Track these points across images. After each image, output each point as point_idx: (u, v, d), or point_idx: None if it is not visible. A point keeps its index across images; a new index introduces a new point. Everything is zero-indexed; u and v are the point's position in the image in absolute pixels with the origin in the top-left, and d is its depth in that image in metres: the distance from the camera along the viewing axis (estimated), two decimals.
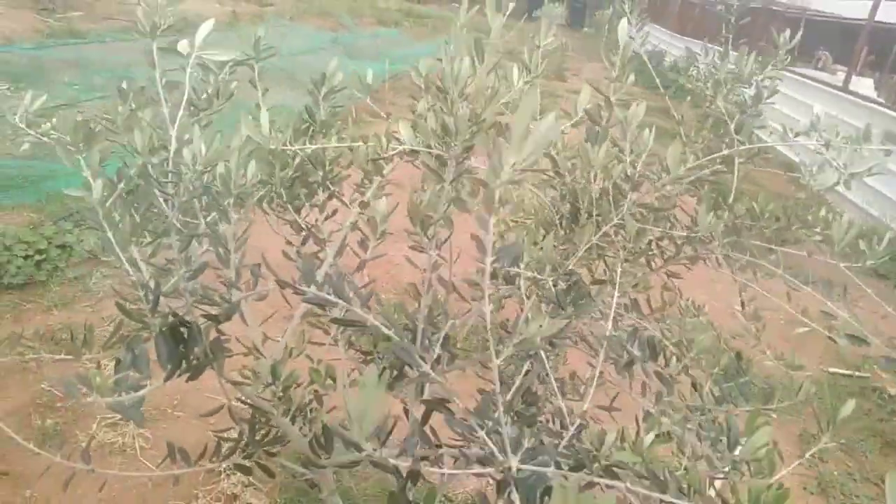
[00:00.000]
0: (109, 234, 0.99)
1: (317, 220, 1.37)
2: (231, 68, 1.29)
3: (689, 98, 1.45)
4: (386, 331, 0.96)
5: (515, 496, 0.75)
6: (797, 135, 1.09)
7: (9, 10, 8.91)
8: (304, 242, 1.37)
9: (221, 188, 1.01)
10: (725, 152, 1.18)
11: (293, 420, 1.20)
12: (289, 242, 1.35)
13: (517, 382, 1.03)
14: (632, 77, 1.17)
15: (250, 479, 2.37)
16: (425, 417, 1.02)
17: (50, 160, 4.34)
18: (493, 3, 0.95)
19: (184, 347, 1.00)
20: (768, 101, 1.26)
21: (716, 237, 1.10)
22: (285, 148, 1.13)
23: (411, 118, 1.08)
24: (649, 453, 0.78)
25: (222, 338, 1.07)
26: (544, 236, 1.04)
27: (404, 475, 0.91)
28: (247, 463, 1.27)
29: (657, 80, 1.76)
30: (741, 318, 1.22)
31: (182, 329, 1.00)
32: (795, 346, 1.13)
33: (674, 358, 1.07)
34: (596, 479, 0.77)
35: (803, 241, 1.12)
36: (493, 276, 1.08)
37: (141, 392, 0.93)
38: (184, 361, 1.01)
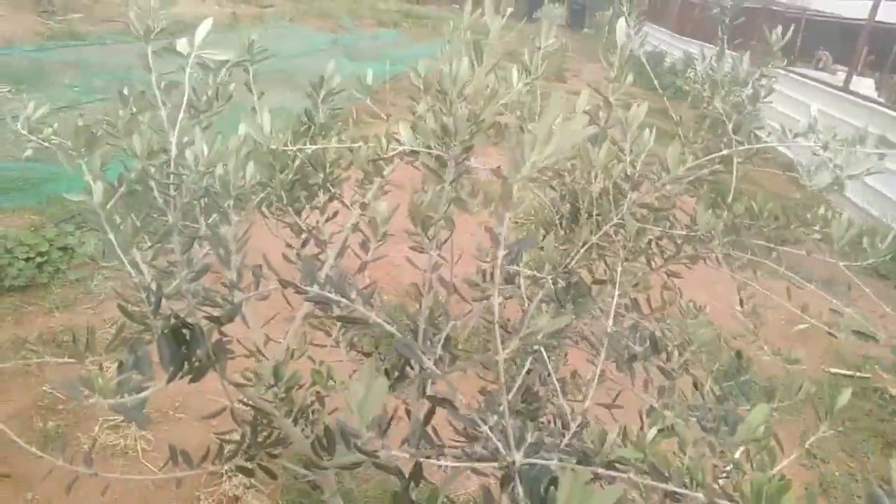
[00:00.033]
0: (111, 237, 0.99)
1: (317, 222, 1.38)
2: (229, 70, 1.29)
3: (688, 99, 1.45)
4: (388, 327, 0.97)
5: (519, 490, 0.75)
6: (795, 135, 1.09)
7: (9, 13, 8.94)
8: (304, 245, 1.37)
9: (221, 190, 1.02)
10: (724, 152, 1.18)
11: (295, 421, 1.20)
12: (289, 245, 1.36)
13: (518, 381, 1.04)
14: (630, 77, 1.18)
15: (252, 480, 2.37)
16: (427, 417, 1.02)
17: (51, 162, 4.35)
18: (490, 4, 0.96)
19: (186, 349, 1.01)
20: (765, 100, 1.26)
21: (715, 236, 1.11)
22: (286, 149, 1.13)
23: (411, 119, 1.08)
24: (651, 448, 0.79)
25: (224, 339, 1.07)
26: (544, 236, 1.05)
27: (407, 475, 0.92)
28: (249, 465, 1.27)
29: (655, 82, 1.76)
30: (739, 315, 1.22)
31: (184, 331, 1.01)
32: (795, 346, 1.13)
33: (675, 352, 1.08)
34: (599, 471, 0.77)
35: (803, 240, 1.12)
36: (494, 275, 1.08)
37: (144, 394, 0.93)
38: (186, 363, 1.01)
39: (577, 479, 0.46)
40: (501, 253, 0.65)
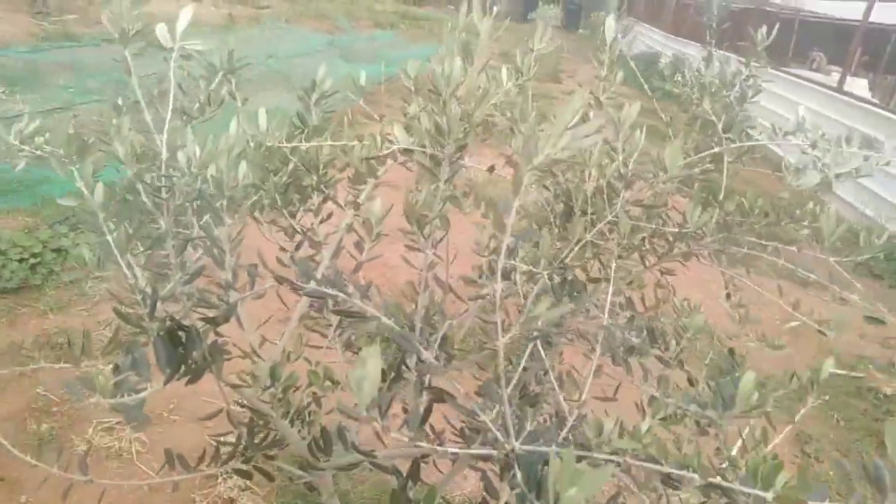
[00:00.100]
0: (109, 238, 0.99)
1: (312, 224, 1.38)
2: (225, 75, 1.29)
3: (678, 100, 1.46)
4: (385, 321, 0.97)
5: (518, 476, 0.76)
6: (785, 134, 1.10)
7: (4, 14, 8.91)
8: (298, 247, 1.37)
9: (214, 190, 1.02)
10: (714, 150, 1.19)
11: (292, 423, 1.20)
12: (282, 249, 1.36)
13: (514, 379, 1.04)
14: (620, 75, 1.19)
15: (248, 482, 2.37)
16: (426, 414, 1.03)
17: (45, 166, 4.33)
18: (479, 6, 0.96)
19: (182, 351, 1.01)
20: (753, 100, 1.27)
21: (707, 233, 1.12)
22: (281, 145, 1.13)
23: (404, 121, 1.09)
24: (648, 438, 0.79)
25: (220, 340, 1.07)
26: (539, 230, 1.05)
27: (404, 474, 0.92)
28: (245, 467, 1.27)
29: (645, 86, 1.77)
30: (725, 306, 1.23)
31: (180, 333, 1.01)
32: (788, 345, 1.14)
33: (672, 341, 1.09)
34: (596, 456, 0.78)
35: (794, 238, 1.13)
36: (492, 271, 1.09)
37: (142, 394, 0.93)
38: (183, 365, 1.01)
39: (569, 458, 0.46)
40: (508, 231, 0.67)
